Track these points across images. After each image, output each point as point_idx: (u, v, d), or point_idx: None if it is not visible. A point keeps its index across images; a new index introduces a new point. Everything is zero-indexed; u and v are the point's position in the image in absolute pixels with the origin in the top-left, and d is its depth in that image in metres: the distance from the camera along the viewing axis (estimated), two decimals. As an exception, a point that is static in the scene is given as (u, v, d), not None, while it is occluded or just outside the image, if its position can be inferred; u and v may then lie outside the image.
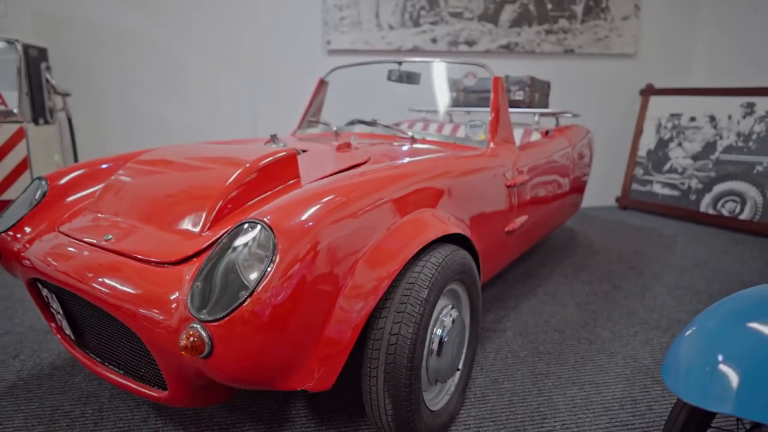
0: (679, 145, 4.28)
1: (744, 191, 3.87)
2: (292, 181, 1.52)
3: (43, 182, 1.68)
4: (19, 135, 3.01)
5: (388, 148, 2.07)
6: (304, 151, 1.87)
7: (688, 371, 0.85)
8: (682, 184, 4.24)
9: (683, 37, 4.53)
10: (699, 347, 0.87)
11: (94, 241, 1.36)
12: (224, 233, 1.25)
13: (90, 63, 3.66)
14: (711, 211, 4.04)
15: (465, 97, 3.12)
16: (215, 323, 1.01)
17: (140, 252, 1.26)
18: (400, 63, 2.55)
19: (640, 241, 3.57)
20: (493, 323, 2.23)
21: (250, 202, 1.41)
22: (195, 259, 1.21)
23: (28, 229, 1.55)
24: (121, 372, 1.38)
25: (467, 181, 1.73)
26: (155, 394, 1.28)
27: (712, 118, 4.09)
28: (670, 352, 0.91)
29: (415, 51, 4.07)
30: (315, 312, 1.13)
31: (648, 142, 4.49)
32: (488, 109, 2.57)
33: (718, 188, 4.02)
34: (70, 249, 1.37)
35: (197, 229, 1.29)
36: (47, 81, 3.27)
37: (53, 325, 1.61)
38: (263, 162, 1.44)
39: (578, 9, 4.21)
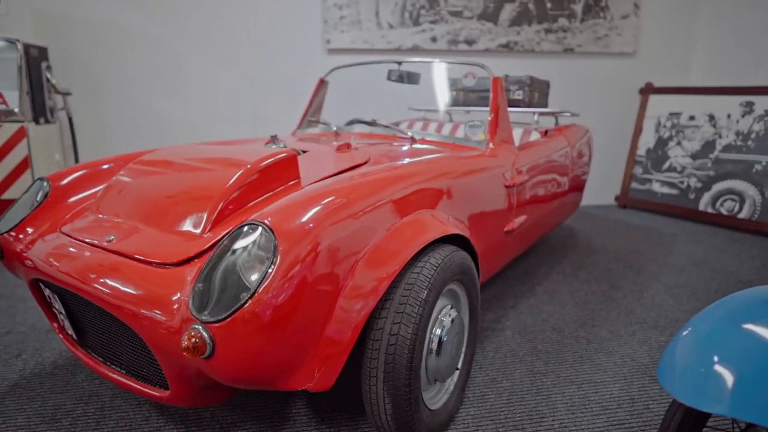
0: (679, 143, 4.29)
1: (743, 190, 3.88)
2: (292, 182, 1.53)
3: (45, 183, 1.69)
4: (20, 134, 3.01)
5: (388, 148, 2.07)
6: (304, 152, 1.88)
7: (683, 372, 0.86)
8: (681, 182, 4.25)
9: (683, 36, 4.53)
10: (694, 348, 0.88)
11: (96, 242, 1.37)
12: (225, 234, 1.26)
13: (90, 62, 3.67)
14: (710, 210, 4.05)
15: (464, 96, 3.13)
16: (217, 324, 1.03)
17: (142, 253, 1.27)
18: (399, 63, 2.56)
19: (639, 239, 3.59)
20: (492, 322, 2.24)
21: (251, 203, 1.42)
22: (196, 260, 1.22)
23: (30, 230, 1.56)
24: (123, 372, 1.39)
25: (466, 182, 1.74)
26: (157, 394, 1.29)
27: (711, 117, 4.10)
28: (666, 353, 0.92)
29: (415, 50, 4.08)
30: (315, 313, 1.14)
31: (647, 140, 4.50)
32: (488, 109, 2.58)
33: (717, 187, 4.03)
34: (73, 250, 1.38)
35: (198, 231, 1.30)
36: (48, 80, 3.27)
37: (55, 324, 1.62)
38: (264, 163, 1.45)
39: (578, 8, 4.22)
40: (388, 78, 2.61)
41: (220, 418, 1.56)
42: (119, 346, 1.36)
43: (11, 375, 1.79)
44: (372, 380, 1.27)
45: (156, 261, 1.23)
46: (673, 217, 4.32)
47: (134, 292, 1.18)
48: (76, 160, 3.58)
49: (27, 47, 3.08)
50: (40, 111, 3.19)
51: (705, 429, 1.50)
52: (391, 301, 1.28)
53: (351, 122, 2.69)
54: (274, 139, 1.96)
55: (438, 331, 1.40)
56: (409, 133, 2.25)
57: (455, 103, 3.19)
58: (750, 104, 3.90)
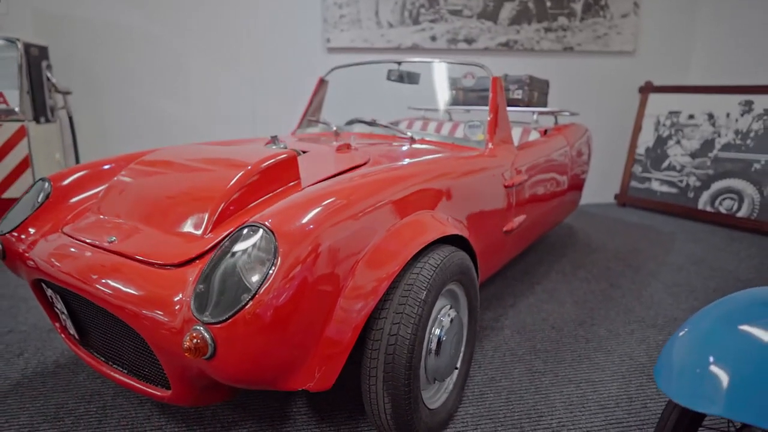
0: (678, 142, 4.29)
1: (742, 189, 3.89)
2: (292, 183, 1.54)
3: (46, 183, 1.70)
4: (21, 133, 3.02)
5: (388, 148, 2.08)
6: (304, 152, 1.89)
7: (679, 373, 0.87)
8: (681, 181, 4.26)
9: (682, 35, 4.54)
10: (690, 349, 0.89)
11: (98, 243, 1.38)
12: (226, 236, 1.28)
13: (90, 61, 3.67)
14: (709, 209, 4.06)
15: (464, 95, 3.13)
16: (218, 325, 1.04)
17: (143, 254, 1.28)
18: (399, 63, 2.56)
19: (638, 238, 3.60)
20: (491, 321, 2.26)
21: (252, 204, 1.43)
22: (198, 261, 1.23)
23: (32, 230, 1.57)
24: (125, 371, 1.40)
25: (466, 182, 1.75)
26: (159, 393, 1.30)
27: (711, 116, 4.11)
28: (663, 354, 0.93)
29: (415, 49, 4.08)
30: (316, 313, 1.15)
31: (647, 139, 4.50)
32: (487, 108, 2.59)
33: (716, 186, 4.04)
34: (75, 250, 1.39)
35: (200, 232, 1.31)
36: (48, 79, 3.28)
37: (57, 324, 1.63)
38: (265, 164, 1.46)
39: (577, 7, 4.22)
40: (388, 78, 2.62)
41: (221, 417, 1.58)
42: (121, 346, 1.38)
43: (13, 374, 1.80)
44: (372, 380, 1.28)
45: (157, 262, 1.24)
46: (673, 215, 4.33)
47: (136, 293, 1.19)
48: (77, 160, 3.59)
49: (27, 46, 3.08)
50: (40, 110, 3.20)
51: (701, 429, 1.51)
52: (391, 301, 1.29)
53: (351, 122, 2.70)
54: (274, 139, 1.96)
55: (437, 331, 1.41)
56: (409, 133, 2.26)
57: (455, 102, 3.20)
58: (749, 103, 3.91)
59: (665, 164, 4.36)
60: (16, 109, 3.02)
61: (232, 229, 1.30)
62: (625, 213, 4.39)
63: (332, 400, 1.67)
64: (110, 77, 3.72)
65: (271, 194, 1.48)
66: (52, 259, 1.39)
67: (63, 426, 1.53)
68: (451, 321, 1.45)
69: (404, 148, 2.12)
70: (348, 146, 2.00)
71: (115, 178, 1.62)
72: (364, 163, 1.77)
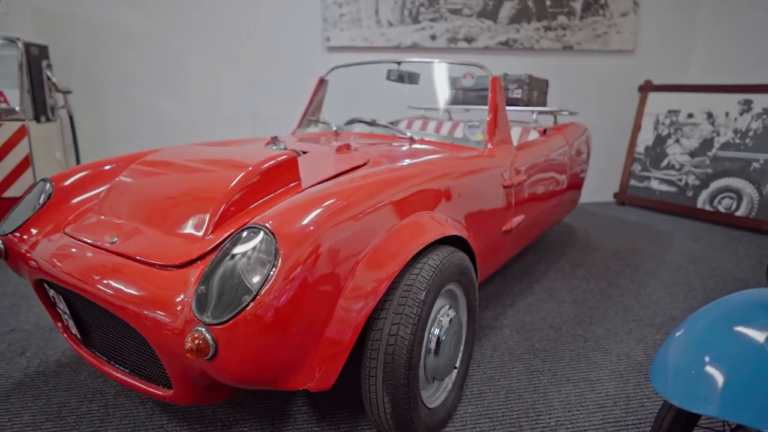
0: (677, 141, 4.30)
1: (740, 188, 3.90)
2: (293, 184, 1.54)
3: (48, 184, 1.71)
4: (21, 133, 3.03)
5: (388, 149, 2.09)
6: (304, 153, 1.90)
7: (675, 373, 0.88)
8: (680, 180, 4.27)
9: (682, 34, 4.54)
10: (686, 350, 0.90)
11: (100, 243, 1.39)
12: (227, 237, 1.29)
13: (91, 61, 3.68)
14: (708, 208, 4.08)
15: (464, 94, 3.14)
16: (219, 326, 1.05)
17: (145, 255, 1.29)
18: (399, 63, 2.57)
19: (637, 237, 3.61)
20: (490, 320, 2.27)
21: (253, 205, 1.44)
22: (199, 262, 1.24)
23: (34, 231, 1.58)
24: (127, 371, 1.41)
25: (465, 183, 1.77)
26: (160, 393, 1.31)
27: (710, 115, 4.12)
28: (659, 355, 0.94)
29: (415, 48, 4.09)
30: (316, 313, 1.16)
31: (646, 138, 4.51)
32: (486, 107, 2.59)
33: (715, 185, 4.05)
34: (77, 251, 1.40)
35: (201, 233, 1.32)
36: (48, 78, 3.28)
37: (60, 324, 1.64)
38: (265, 165, 1.47)
39: (577, 5, 4.22)
40: (388, 78, 2.63)
41: (222, 416, 1.59)
42: (123, 346, 1.39)
43: (16, 373, 1.82)
44: (371, 379, 1.29)
45: (159, 263, 1.25)
46: (672, 214, 4.34)
47: (138, 294, 1.20)
48: (77, 159, 3.60)
49: (27, 46, 3.09)
50: (40, 109, 3.20)
51: (696, 429, 1.53)
52: (390, 302, 1.30)
53: (350, 122, 2.71)
54: (274, 140, 1.97)
55: (436, 331, 1.43)
56: (408, 134, 2.27)
57: (454, 101, 3.21)
58: (748, 102, 3.91)
59: (664, 163, 4.37)
60: (17, 109, 3.02)
61: (233, 231, 1.31)
62: (625, 212, 4.41)
63: (332, 399, 1.68)
64: (110, 77, 3.73)
65: (271, 195, 1.48)
66: (54, 260, 1.40)
67: (65, 425, 1.54)
68: (450, 321, 1.46)
69: (404, 148, 2.13)
70: (348, 147, 2.01)
71: (117, 179, 1.63)
72: (364, 164, 1.78)
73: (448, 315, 1.46)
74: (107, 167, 1.84)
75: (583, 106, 4.55)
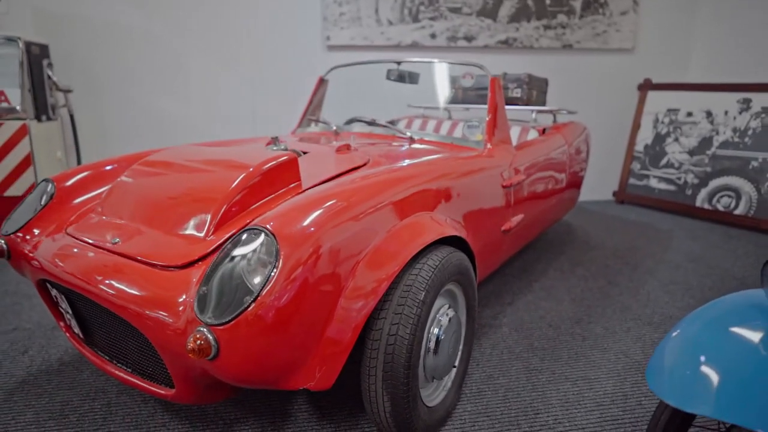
0: (676, 140, 4.31)
1: (739, 186, 3.91)
2: (293, 185, 1.56)
3: (50, 184, 1.72)
4: (22, 132, 3.04)
5: (387, 149, 2.10)
6: (304, 153, 1.91)
7: (670, 374, 0.89)
8: (679, 178, 4.28)
9: (681, 33, 4.54)
10: (681, 351, 0.91)
11: (102, 244, 1.40)
12: (229, 238, 1.30)
13: (91, 60, 3.68)
14: (706, 206, 4.09)
15: (463, 93, 3.15)
16: (221, 327, 1.06)
17: (147, 255, 1.30)
18: (399, 63, 2.58)
19: (636, 235, 3.62)
20: (489, 319, 2.28)
21: (254, 206, 1.45)
22: (200, 263, 1.25)
23: (36, 231, 1.59)
24: (129, 370, 1.43)
25: (464, 183, 1.78)
26: (162, 392, 1.33)
27: (709, 114, 4.12)
28: (655, 355, 0.96)
29: (414, 46, 4.09)
30: (317, 313, 1.17)
31: (645, 136, 4.52)
32: (486, 106, 2.60)
33: (714, 183, 4.06)
34: (79, 251, 1.41)
35: (202, 234, 1.33)
36: (49, 78, 3.29)
37: (62, 324, 1.66)
38: (266, 166, 1.48)
39: (576, 4, 4.23)
40: (388, 77, 2.64)
41: (224, 415, 1.60)
42: (125, 345, 1.40)
43: (18, 372, 1.83)
44: (371, 379, 1.31)
45: (161, 263, 1.27)
46: (671, 213, 4.35)
47: (140, 294, 1.21)
48: (78, 158, 3.61)
49: (28, 45, 3.10)
50: (41, 108, 3.21)
51: (692, 428, 1.54)
52: (390, 302, 1.31)
53: (350, 121, 2.71)
54: (274, 140, 1.98)
55: (436, 331, 1.44)
56: (408, 133, 2.28)
57: (454, 100, 3.22)
58: (747, 101, 3.92)
59: (663, 161, 4.38)
60: (18, 108, 3.03)
61: (234, 231, 1.32)
62: (624, 210, 4.42)
63: (332, 398, 1.70)
64: (111, 76, 3.74)
65: (272, 195, 1.50)
66: (57, 260, 1.42)
67: (68, 423, 1.56)
68: (450, 320, 1.48)
69: (403, 148, 2.14)
70: (348, 147, 2.02)
71: (118, 179, 1.64)
72: (364, 164, 1.79)
73: (447, 314, 1.48)
74: (109, 167, 1.85)
75: (583, 104, 4.56)
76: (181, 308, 1.15)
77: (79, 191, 1.74)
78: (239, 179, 1.43)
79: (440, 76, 3.41)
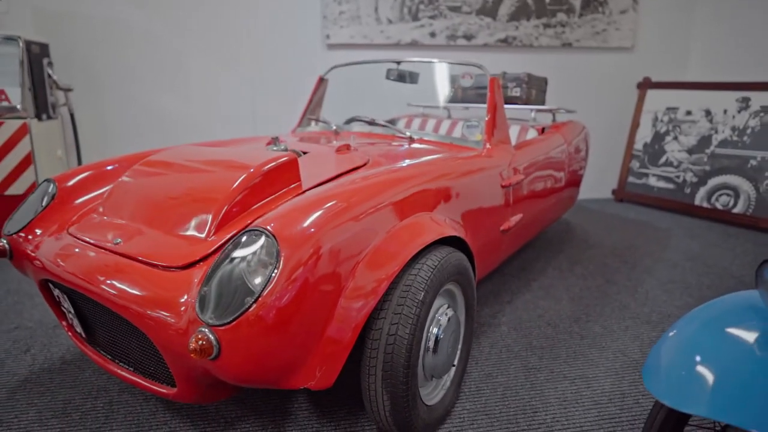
0: (675, 138, 4.32)
1: (738, 185, 3.92)
2: (293, 185, 1.57)
3: (52, 185, 1.73)
4: (23, 131, 3.04)
5: (387, 148, 2.11)
6: (304, 153, 1.92)
7: (666, 373, 0.90)
8: (678, 177, 4.29)
9: (681, 32, 4.55)
10: (677, 351, 0.92)
11: (104, 244, 1.41)
12: (230, 238, 1.31)
13: (91, 59, 3.69)
14: (705, 205, 4.10)
15: (463, 92, 3.16)
16: (222, 327, 1.07)
17: (148, 255, 1.31)
18: (398, 63, 2.59)
19: (635, 234, 3.63)
20: (488, 317, 2.30)
21: (254, 206, 1.46)
22: (202, 264, 1.26)
23: (38, 231, 1.60)
24: (131, 369, 1.44)
25: (464, 183, 1.79)
26: (164, 391, 1.34)
27: (708, 112, 4.13)
28: (651, 355, 0.97)
29: (414, 45, 4.10)
30: (317, 314, 1.19)
31: (644, 135, 4.53)
32: (485, 105, 2.61)
33: (713, 182, 4.07)
34: (81, 251, 1.42)
35: (203, 234, 1.34)
36: (49, 76, 3.30)
37: (64, 323, 1.67)
38: (266, 167, 1.49)
39: (576, 3, 4.23)
40: (387, 77, 2.64)
41: (225, 413, 1.62)
42: (127, 344, 1.41)
43: (21, 370, 1.85)
44: (371, 378, 1.32)
45: (162, 264, 1.28)
46: (669, 211, 4.36)
47: (142, 294, 1.22)
48: (78, 156, 3.61)
49: (28, 44, 3.10)
50: (42, 107, 3.22)
51: (687, 426, 1.56)
52: (390, 302, 1.33)
53: (350, 120, 2.72)
54: (275, 140, 1.99)
55: (435, 330, 1.45)
56: (408, 133, 2.29)
57: (454, 99, 3.23)
58: (746, 100, 3.93)
59: (662, 160, 4.40)
60: (18, 107, 3.04)
61: (235, 232, 1.34)
62: (623, 208, 4.43)
63: (332, 397, 1.71)
64: (111, 75, 3.74)
65: (273, 196, 1.51)
66: (59, 260, 1.43)
67: (71, 421, 1.57)
68: (449, 320, 1.49)
69: (403, 148, 2.15)
70: (348, 147, 2.02)
71: (119, 180, 1.65)
72: (364, 164, 1.80)
73: (446, 314, 1.49)
74: (110, 167, 1.86)
75: (582, 102, 4.56)
76: (182, 308, 1.16)
77: (81, 191, 1.75)
78: (240, 180, 1.44)
79: (440, 75, 3.41)
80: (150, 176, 1.60)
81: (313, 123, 2.80)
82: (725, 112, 4.04)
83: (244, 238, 1.18)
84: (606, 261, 3.06)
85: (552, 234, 3.61)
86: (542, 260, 3.06)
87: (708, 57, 4.50)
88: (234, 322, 1.07)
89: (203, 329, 1.08)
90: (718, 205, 4.02)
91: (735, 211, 3.92)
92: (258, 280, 1.11)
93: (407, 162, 1.71)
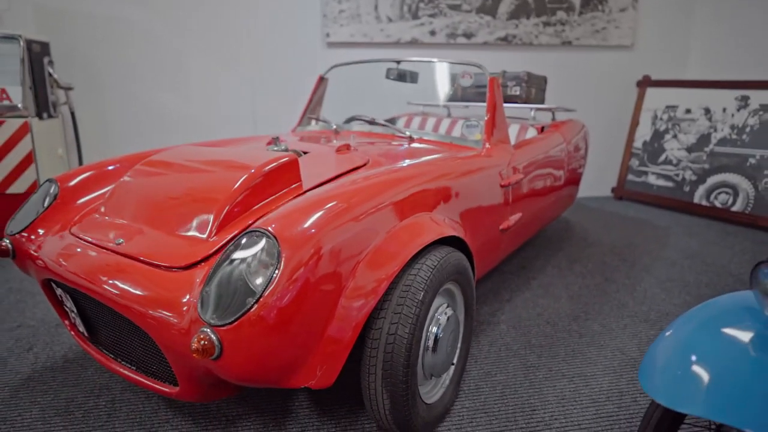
0: (675, 136, 4.33)
1: (737, 183, 3.93)
2: (294, 185, 1.58)
3: (54, 185, 1.74)
4: (24, 129, 3.05)
5: (387, 148, 2.12)
6: (305, 153, 1.93)
7: (661, 373, 0.91)
8: (677, 175, 4.30)
9: (680, 30, 4.55)
10: (673, 351, 0.94)
11: (106, 244, 1.42)
12: (231, 239, 1.32)
13: (92, 57, 3.69)
14: (704, 203, 4.11)
15: (463, 91, 3.16)
16: (224, 328, 1.09)
17: (150, 256, 1.32)
18: (398, 62, 2.59)
19: (634, 232, 3.65)
20: (487, 316, 2.31)
21: (255, 207, 1.47)
22: (203, 264, 1.28)
23: (41, 231, 1.62)
24: (134, 368, 1.45)
25: (463, 183, 1.80)
26: (166, 390, 1.35)
27: (707, 111, 4.14)
28: (648, 354, 0.98)
29: (414, 43, 4.10)
30: (318, 313, 1.20)
31: (644, 133, 4.54)
32: (485, 104, 2.62)
33: (712, 180, 4.08)
34: (83, 251, 1.43)
35: (204, 235, 1.35)
36: (50, 75, 3.30)
37: (67, 322, 1.68)
38: (267, 168, 1.50)
39: (576, 1, 4.23)
40: (387, 77, 2.65)
41: (226, 411, 1.63)
42: (130, 344, 1.43)
43: (24, 369, 1.86)
44: (371, 377, 1.33)
45: (164, 264, 1.29)
46: (669, 209, 4.38)
47: (144, 294, 1.23)
48: (79, 155, 3.62)
49: (29, 42, 3.11)
50: (43, 106, 3.23)
51: (684, 426, 1.57)
52: (389, 301, 1.34)
53: (350, 120, 2.73)
54: (275, 140, 2.00)
55: (434, 329, 1.46)
56: (407, 133, 2.30)
57: (453, 98, 3.23)
58: (745, 98, 3.94)
59: (662, 158, 4.40)
60: (19, 105, 3.04)
61: (236, 232, 1.35)
62: (622, 206, 4.44)
63: (333, 396, 1.73)
64: (111, 74, 3.75)
65: (273, 196, 1.52)
66: (61, 260, 1.44)
67: (73, 419, 1.58)
68: (448, 319, 1.50)
69: (403, 147, 2.16)
70: (348, 147, 2.03)
71: (121, 180, 1.66)
72: (364, 164, 1.81)
73: (445, 313, 1.50)
74: (111, 167, 1.87)
75: (582, 100, 4.57)
76: (184, 308, 1.18)
77: (83, 191, 1.76)
78: (241, 180, 1.45)
79: (440, 74, 3.42)
80: (151, 176, 1.61)
81: (313, 122, 2.81)
82: (724, 110, 4.04)
83: (245, 240, 1.19)
84: (605, 259, 3.07)
85: (551, 232, 3.62)
86: (541, 258, 3.08)
87: (707, 55, 4.51)
88: (236, 322, 1.08)
89: (205, 329, 1.10)
90: (717, 204, 4.03)
91: (734, 209, 3.93)
92: (259, 281, 1.12)
93: (407, 162, 1.72)
